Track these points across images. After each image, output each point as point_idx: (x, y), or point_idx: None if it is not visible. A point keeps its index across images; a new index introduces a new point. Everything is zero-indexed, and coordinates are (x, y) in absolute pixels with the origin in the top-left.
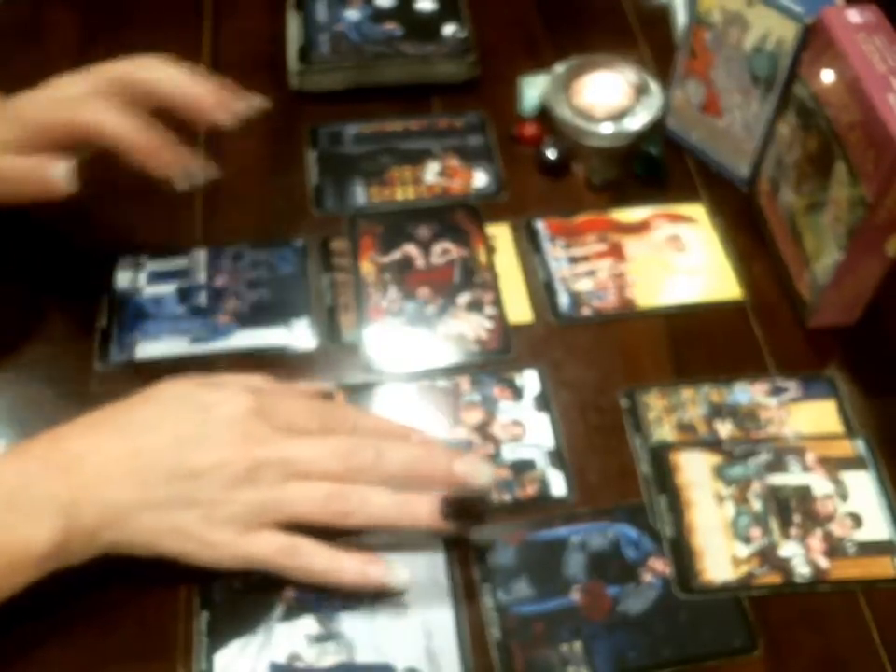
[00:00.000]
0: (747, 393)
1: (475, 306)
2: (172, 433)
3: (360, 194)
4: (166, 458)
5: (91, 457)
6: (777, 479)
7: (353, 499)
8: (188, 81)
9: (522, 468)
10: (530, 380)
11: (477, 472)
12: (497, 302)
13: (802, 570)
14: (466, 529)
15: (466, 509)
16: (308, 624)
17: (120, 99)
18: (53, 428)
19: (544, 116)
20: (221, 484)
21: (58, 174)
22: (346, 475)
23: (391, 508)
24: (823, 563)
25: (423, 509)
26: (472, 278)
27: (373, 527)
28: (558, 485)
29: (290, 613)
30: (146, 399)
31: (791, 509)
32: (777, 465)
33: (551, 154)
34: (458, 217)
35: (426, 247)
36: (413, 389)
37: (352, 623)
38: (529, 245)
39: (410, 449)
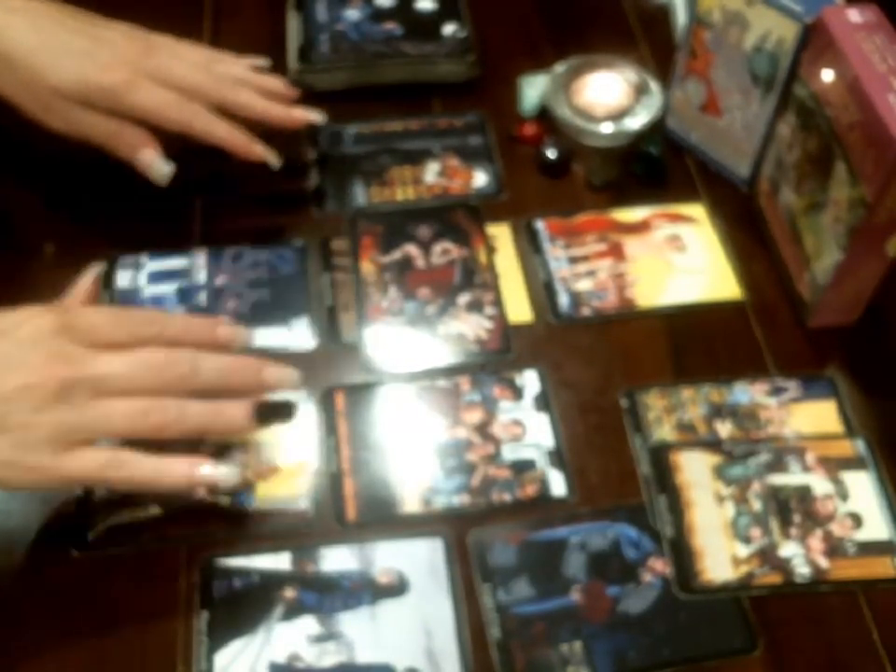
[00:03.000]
0: (747, 393)
1: (475, 306)
2: None
3: (360, 194)
4: None
5: None
6: (777, 479)
7: (170, 412)
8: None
9: (522, 468)
10: (530, 380)
11: (285, 377)
12: (497, 303)
13: (802, 570)
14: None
15: (276, 410)
16: (308, 624)
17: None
18: None
19: (544, 116)
20: (30, 408)
21: (157, 168)
22: (161, 389)
23: (207, 415)
24: (823, 563)
25: (238, 413)
26: (472, 278)
27: (189, 435)
28: (558, 485)
29: (290, 613)
30: None
31: (791, 509)
32: (777, 465)
33: (551, 154)
34: (458, 217)
35: (426, 247)
36: (412, 389)
37: (352, 623)
38: (529, 245)
39: (221, 360)
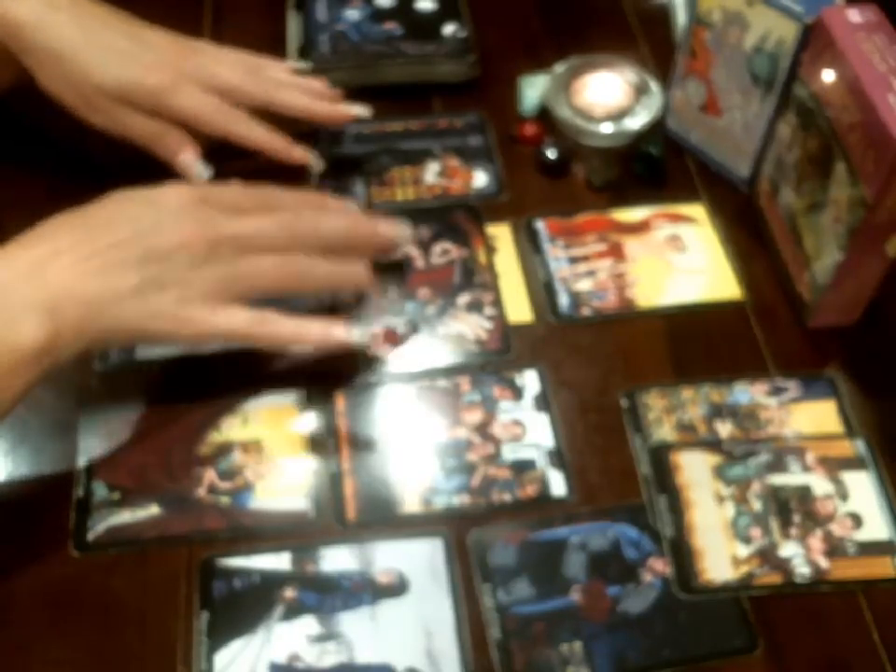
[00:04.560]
0: (747, 393)
1: (475, 306)
2: (130, 227)
3: (360, 194)
4: (131, 249)
5: (61, 260)
6: (777, 479)
7: (303, 265)
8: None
9: (522, 468)
10: (530, 380)
11: (399, 230)
12: (497, 303)
13: (802, 570)
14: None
15: (391, 268)
16: (308, 624)
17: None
18: (8, 242)
19: (544, 116)
20: (186, 265)
21: (198, 171)
22: (292, 245)
23: (335, 270)
24: (823, 563)
25: (360, 269)
26: (472, 278)
27: (320, 290)
28: (558, 485)
29: (290, 613)
30: (97, 206)
31: (792, 509)
32: (777, 465)
33: (551, 154)
34: (458, 218)
35: (426, 248)
36: (412, 389)
37: (352, 623)
38: (529, 245)
39: (341, 218)
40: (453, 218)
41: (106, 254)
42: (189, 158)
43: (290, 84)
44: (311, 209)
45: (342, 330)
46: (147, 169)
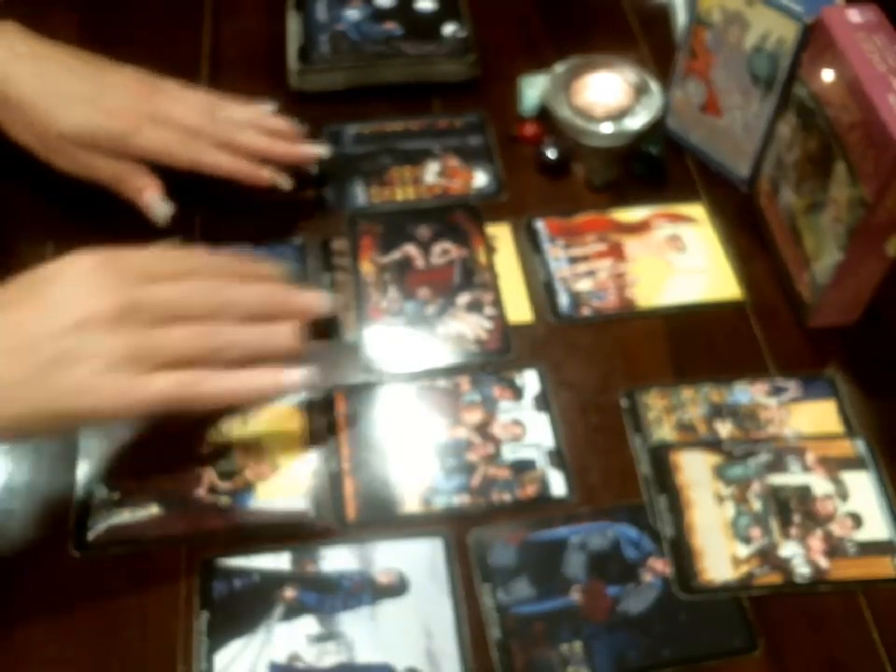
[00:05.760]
0: (747, 393)
1: (475, 306)
2: (34, 305)
3: (360, 194)
4: (36, 327)
5: None
6: (777, 479)
7: (225, 333)
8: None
9: (522, 468)
10: (530, 380)
11: (318, 300)
12: (497, 303)
13: (802, 570)
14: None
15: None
16: (308, 624)
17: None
18: None
19: (544, 116)
20: (95, 337)
21: (161, 212)
22: (210, 315)
23: (259, 335)
24: (823, 563)
25: (287, 331)
26: (472, 278)
27: (244, 358)
28: (558, 485)
29: (290, 613)
30: (18, 284)
31: (791, 509)
32: (777, 465)
33: (551, 154)
34: (458, 218)
35: (426, 247)
36: (412, 389)
37: (352, 623)
38: (529, 245)
39: (262, 287)
40: (453, 218)
41: (9, 337)
42: (151, 197)
43: (250, 125)
44: (227, 277)
45: (297, 373)
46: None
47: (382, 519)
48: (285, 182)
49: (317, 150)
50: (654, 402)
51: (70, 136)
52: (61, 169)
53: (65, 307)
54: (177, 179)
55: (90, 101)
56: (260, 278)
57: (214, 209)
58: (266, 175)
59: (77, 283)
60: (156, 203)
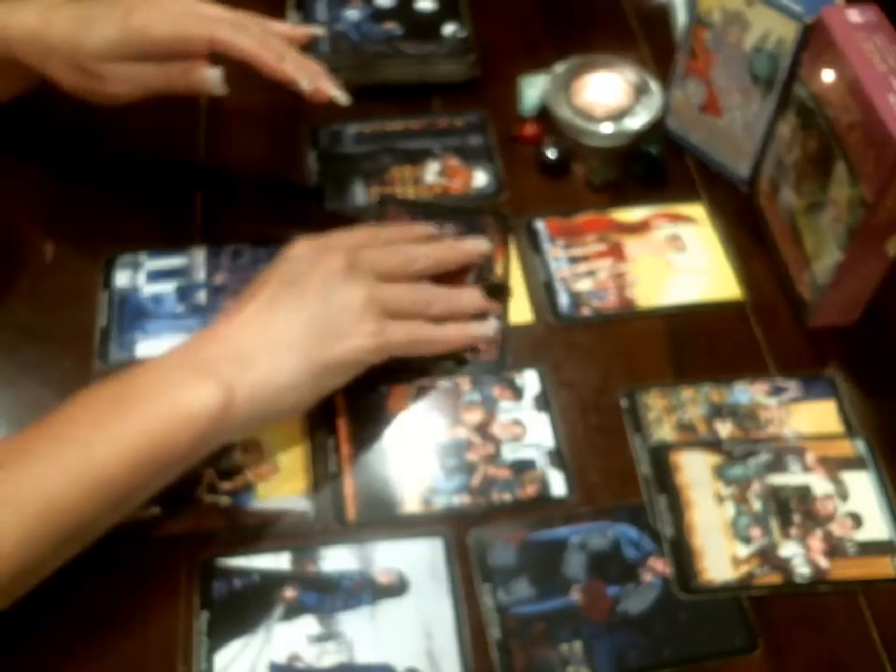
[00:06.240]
0: (747, 393)
1: (479, 316)
2: (289, 285)
3: (360, 194)
4: (303, 298)
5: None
6: (777, 479)
7: (431, 289)
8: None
9: (522, 468)
10: (530, 380)
11: (481, 242)
12: (503, 316)
13: (802, 570)
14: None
15: (495, 288)
16: (308, 624)
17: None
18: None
19: (544, 116)
20: (343, 287)
21: (213, 78)
22: (412, 270)
23: (455, 294)
24: (823, 563)
25: (474, 294)
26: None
27: (443, 314)
28: (558, 485)
29: (290, 613)
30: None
31: (791, 509)
32: (776, 465)
33: (551, 154)
34: (486, 223)
35: None
36: (412, 389)
37: (352, 623)
38: (529, 245)
39: (441, 244)
40: (481, 223)
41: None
42: (204, 72)
43: (280, 39)
44: (414, 240)
45: (491, 325)
46: (159, 165)
47: (382, 519)
48: (342, 96)
49: (339, 95)
50: (654, 402)
51: (100, 54)
52: (120, 95)
53: (308, 275)
54: (177, 180)
55: (105, 18)
56: (434, 238)
57: (214, 209)
58: (288, 70)
59: (306, 257)
60: (211, 74)
